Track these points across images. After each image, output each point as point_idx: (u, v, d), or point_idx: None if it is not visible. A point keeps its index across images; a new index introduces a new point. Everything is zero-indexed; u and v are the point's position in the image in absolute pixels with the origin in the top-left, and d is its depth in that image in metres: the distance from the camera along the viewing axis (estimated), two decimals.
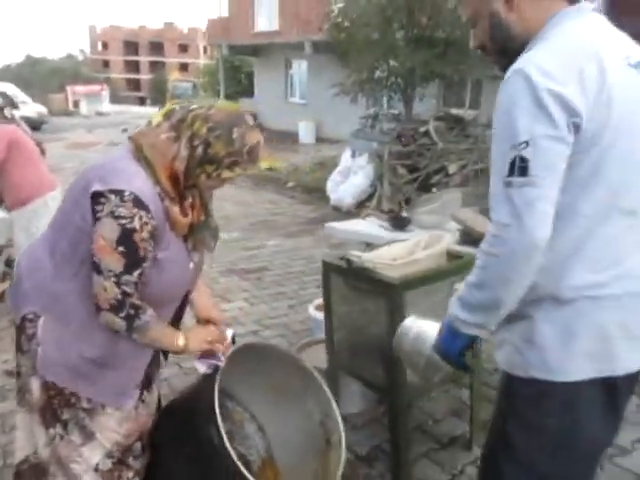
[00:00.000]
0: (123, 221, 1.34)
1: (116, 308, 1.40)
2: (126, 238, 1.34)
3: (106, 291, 1.38)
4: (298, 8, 14.53)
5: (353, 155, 8.88)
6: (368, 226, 2.98)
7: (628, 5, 5.43)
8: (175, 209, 1.45)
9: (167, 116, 1.47)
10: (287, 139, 15.47)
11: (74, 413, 1.55)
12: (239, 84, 20.70)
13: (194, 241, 1.59)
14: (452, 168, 7.70)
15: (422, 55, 8.45)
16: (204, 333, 1.69)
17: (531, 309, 1.21)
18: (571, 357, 1.18)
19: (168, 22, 62.80)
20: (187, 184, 1.47)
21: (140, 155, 1.43)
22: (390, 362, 1.87)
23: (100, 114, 36.17)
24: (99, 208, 1.35)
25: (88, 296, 1.46)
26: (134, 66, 61.09)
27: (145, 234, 1.36)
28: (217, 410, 1.54)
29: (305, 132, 15.59)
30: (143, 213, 1.36)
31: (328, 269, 2.20)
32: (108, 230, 1.34)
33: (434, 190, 7.57)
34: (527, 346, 1.22)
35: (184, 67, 55.75)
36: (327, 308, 2.28)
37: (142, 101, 55.50)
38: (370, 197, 8.01)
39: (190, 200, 1.53)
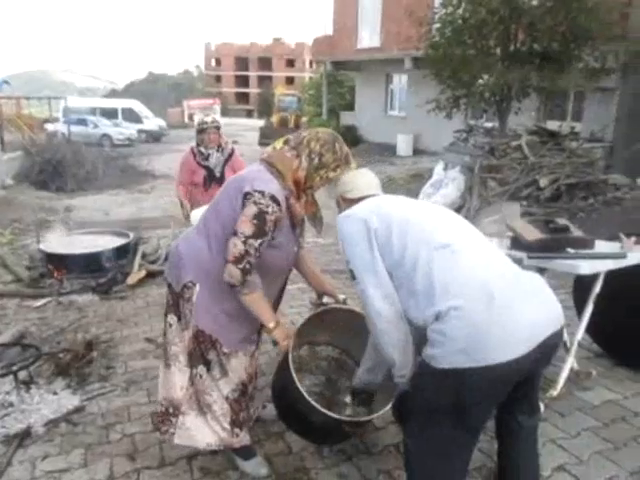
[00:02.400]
0: (261, 206, 1.97)
1: (237, 260, 1.97)
2: (260, 216, 1.96)
3: (235, 247, 1.97)
4: (399, 25, 14.98)
5: (445, 167, 9.19)
6: None
7: None
8: (297, 205, 2.13)
9: (285, 142, 2.16)
10: (386, 151, 15.93)
11: (216, 354, 2.20)
12: (341, 98, 21.44)
13: (302, 230, 2.26)
14: (543, 182, 7.77)
15: (517, 72, 8.59)
16: (288, 332, 2.19)
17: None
18: (452, 353, 1.60)
19: (277, 38, 65.57)
20: (305, 186, 2.12)
21: (273, 169, 2.08)
22: None
23: None
24: (247, 201, 1.99)
25: None
26: (244, 80, 64.38)
27: (272, 217, 1.99)
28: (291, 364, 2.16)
29: (403, 144, 15.94)
30: (275, 205, 1.99)
31: None
32: (250, 210, 1.97)
33: (524, 203, 7.71)
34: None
35: (290, 80, 57.83)
36: None
37: (249, 113, 58.39)
38: (459, 209, 8.26)
39: (304, 199, 2.17)
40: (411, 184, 10.74)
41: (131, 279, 5.07)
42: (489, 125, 10.61)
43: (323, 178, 2.12)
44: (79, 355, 3.47)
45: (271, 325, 2.12)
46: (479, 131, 10.24)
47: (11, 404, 2.91)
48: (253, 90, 62.79)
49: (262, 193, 1.98)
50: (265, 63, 63.42)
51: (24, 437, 2.67)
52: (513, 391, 1.69)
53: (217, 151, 4.19)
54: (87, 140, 18.07)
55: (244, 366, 2.26)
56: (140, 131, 25.56)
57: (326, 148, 2.09)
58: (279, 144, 2.21)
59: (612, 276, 2.78)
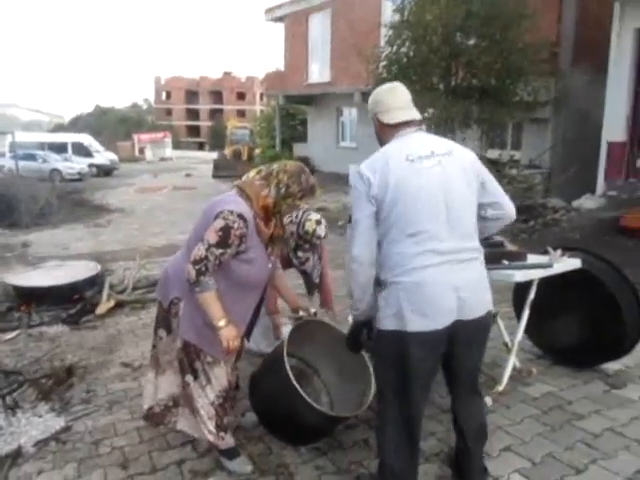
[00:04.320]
0: (228, 221, 2.27)
1: (196, 262, 2.26)
2: (226, 229, 2.25)
3: (199, 250, 2.27)
4: (348, 62, 15.74)
5: None
6: None
7: None
8: (261, 223, 2.41)
9: (258, 172, 2.47)
10: (339, 181, 16.42)
11: (201, 363, 2.48)
12: (294, 130, 22.00)
13: (272, 248, 2.55)
14: None
15: (459, 105, 9.28)
16: (236, 335, 2.37)
17: (378, 291, 2.15)
18: (387, 315, 2.09)
19: (227, 71, 66.40)
20: (274, 211, 2.43)
21: (243, 193, 2.39)
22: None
23: (163, 159, 38.64)
24: (217, 217, 2.28)
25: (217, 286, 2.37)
26: (194, 113, 64.66)
27: (237, 232, 2.28)
28: (285, 354, 2.48)
29: (354, 174, 16.52)
30: (241, 222, 2.29)
31: None
32: (218, 223, 2.27)
33: None
34: (374, 311, 2.17)
35: (241, 113, 58.50)
36: None
37: (201, 146, 58.52)
38: None
39: (273, 221, 2.49)
40: None
41: (100, 309, 5.21)
42: None
43: (290, 205, 2.45)
44: (60, 380, 3.63)
45: (220, 323, 2.31)
46: None
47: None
48: (204, 123, 63.12)
49: (231, 212, 2.28)
50: (216, 96, 64.04)
51: (16, 457, 2.82)
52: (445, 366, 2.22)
53: (313, 254, 3.56)
54: (36, 175, 17.76)
55: (226, 374, 2.54)
56: (91, 165, 25.34)
57: (292, 180, 2.39)
58: (252, 173, 2.50)
59: (544, 284, 3.22)
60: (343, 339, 2.64)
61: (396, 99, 2.27)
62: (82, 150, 27.25)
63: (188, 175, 24.36)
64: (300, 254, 3.50)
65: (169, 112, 64.75)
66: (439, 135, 2.34)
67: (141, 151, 40.09)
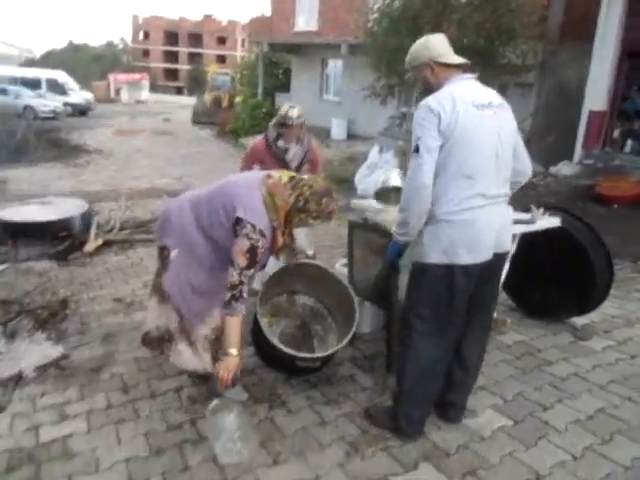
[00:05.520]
0: (252, 241, 2.31)
1: (232, 287, 2.33)
2: (252, 250, 2.31)
3: (232, 277, 2.33)
4: (336, 12, 15.44)
5: (380, 151, 9.80)
6: (378, 204, 3.92)
7: None
8: (279, 234, 2.46)
9: (290, 179, 2.46)
10: (320, 134, 16.37)
11: None
12: (276, 80, 21.56)
13: (278, 254, 2.67)
14: None
15: None
16: (235, 367, 2.36)
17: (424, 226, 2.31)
18: (435, 250, 2.27)
19: (207, 14, 64.09)
20: (287, 219, 2.45)
21: (272, 202, 2.38)
22: (389, 287, 2.87)
23: (140, 102, 37.57)
24: (239, 229, 2.32)
25: (212, 252, 2.49)
26: (173, 56, 62.54)
27: (261, 250, 2.35)
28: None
29: (337, 128, 16.45)
30: (263, 240, 2.34)
31: (352, 226, 3.22)
32: (243, 244, 2.31)
33: None
34: (418, 244, 2.35)
35: (222, 59, 56.90)
36: (350, 254, 3.29)
37: (179, 90, 56.95)
38: None
39: (286, 230, 2.51)
40: (347, 166, 11.27)
41: (89, 246, 5.28)
42: None
43: (302, 220, 2.45)
44: (55, 312, 3.74)
45: (231, 350, 2.34)
46: (412, 117, 10.92)
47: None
48: (183, 67, 61.20)
49: (254, 227, 2.30)
50: (196, 39, 61.90)
51: (18, 380, 2.96)
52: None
53: (296, 144, 3.81)
54: (7, 112, 17.08)
55: (219, 317, 2.60)
56: (66, 104, 24.48)
57: (314, 198, 2.38)
58: (285, 178, 2.45)
59: (522, 241, 3.42)
60: (338, 281, 2.83)
61: (446, 44, 2.39)
62: (57, 88, 26.28)
63: (166, 120, 23.86)
64: (280, 144, 3.76)
65: (146, 53, 62.48)
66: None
67: (117, 92, 38.88)
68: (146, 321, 2.86)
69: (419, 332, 2.38)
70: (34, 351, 3.24)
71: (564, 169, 9.53)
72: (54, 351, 3.27)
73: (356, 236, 3.23)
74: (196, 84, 46.80)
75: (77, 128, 18.43)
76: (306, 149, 3.88)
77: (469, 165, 2.21)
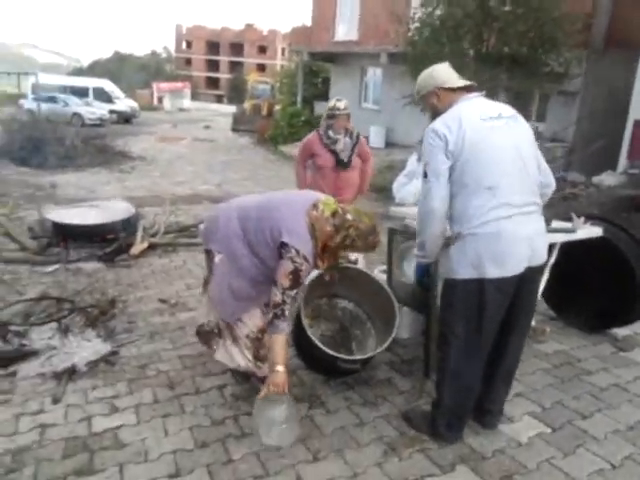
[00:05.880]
0: (296, 264, 2.42)
1: (275, 306, 2.43)
2: (295, 272, 2.42)
3: (275, 296, 2.43)
4: (377, 20, 15.51)
5: (419, 159, 9.79)
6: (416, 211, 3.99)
7: None
8: (319, 262, 2.57)
9: (334, 214, 2.53)
10: None
11: None
12: (315, 88, 21.79)
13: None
14: None
15: (488, 72, 9.25)
16: (282, 383, 2.38)
17: (449, 243, 2.35)
18: (463, 265, 2.29)
19: (249, 23, 65.17)
20: (331, 254, 2.59)
21: (313, 232, 2.48)
22: (427, 294, 2.92)
23: (182, 110, 38.50)
24: (285, 252, 2.43)
25: (254, 266, 2.60)
26: (214, 65, 63.85)
27: (304, 273, 2.46)
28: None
29: (376, 136, 16.49)
30: (306, 264, 2.44)
31: (392, 233, 3.27)
32: (288, 266, 2.42)
33: None
34: (446, 261, 2.37)
35: (262, 68, 57.70)
36: (389, 260, 3.34)
37: (219, 99, 58.01)
38: None
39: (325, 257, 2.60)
40: (385, 174, 11.30)
41: (135, 249, 5.48)
42: None
43: (346, 251, 2.69)
44: (104, 310, 3.91)
45: (278, 368, 2.38)
46: None
47: (54, 347, 3.34)
48: (224, 75, 62.38)
49: (298, 252, 2.41)
50: (237, 49, 63.04)
51: (72, 373, 3.12)
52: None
53: (345, 136, 4.13)
54: (57, 119, 17.80)
55: (261, 315, 2.75)
56: (111, 111, 25.34)
57: (361, 239, 2.50)
58: (327, 212, 2.51)
59: (563, 250, 3.41)
60: (380, 286, 2.98)
61: (450, 71, 2.49)
62: (103, 96, 27.23)
63: (207, 127, 24.39)
64: (331, 134, 4.11)
65: (189, 62, 64.02)
66: None
67: (160, 100, 39.91)
68: (202, 313, 3.00)
69: (456, 348, 2.41)
70: (86, 347, 3.41)
71: (607, 179, 9.33)
72: (104, 347, 3.43)
73: (395, 242, 3.29)
74: (236, 92, 47.63)
75: (122, 135, 19.02)
76: (355, 141, 4.17)
77: (487, 177, 2.23)
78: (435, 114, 2.46)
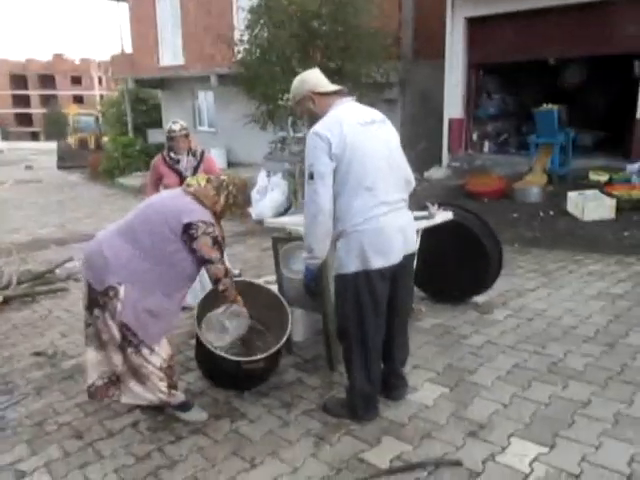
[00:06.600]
0: (211, 234, 2.61)
1: (218, 281, 2.71)
2: (215, 241, 2.65)
3: (219, 270, 2.65)
4: (201, 44, 15.61)
5: (268, 175, 10.12)
6: (292, 219, 4.22)
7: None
8: (219, 227, 2.75)
9: (208, 181, 2.79)
10: None
11: (140, 340, 2.66)
12: (146, 115, 21.15)
13: None
14: None
15: None
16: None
17: (335, 241, 2.59)
18: (351, 260, 2.52)
19: (57, 53, 60.97)
20: (220, 217, 2.79)
21: (200, 202, 2.69)
22: (321, 292, 3.14)
23: None
24: (194, 231, 2.58)
25: (161, 276, 2.62)
26: (24, 100, 58.64)
27: (219, 238, 2.65)
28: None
29: (217, 158, 16.54)
30: (216, 229, 2.66)
31: (276, 241, 3.45)
32: (207, 240, 2.60)
33: None
34: (336, 258, 2.61)
35: (79, 99, 54.33)
36: (277, 266, 3.50)
37: (35, 136, 53.36)
38: (287, 210, 9.25)
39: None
40: None
41: None
42: (300, 134, 11.83)
43: (233, 212, 2.89)
44: None
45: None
46: (293, 140, 11.38)
47: None
48: (36, 110, 57.49)
49: (205, 223, 2.62)
50: (47, 81, 58.54)
51: None
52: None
53: (188, 155, 4.42)
54: None
55: (167, 343, 2.78)
56: None
57: (240, 192, 2.85)
58: (202, 182, 2.82)
59: (425, 235, 3.86)
60: (271, 294, 3.17)
61: (321, 77, 2.70)
62: None
63: (29, 167, 22.40)
64: (172, 155, 4.42)
65: None
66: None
67: None
68: (88, 374, 2.84)
69: (357, 337, 2.62)
70: None
71: (436, 173, 10.49)
72: None
73: (280, 249, 3.46)
74: (55, 127, 44.16)
75: None
76: (199, 159, 4.46)
77: (367, 178, 2.47)
78: (312, 118, 2.64)
